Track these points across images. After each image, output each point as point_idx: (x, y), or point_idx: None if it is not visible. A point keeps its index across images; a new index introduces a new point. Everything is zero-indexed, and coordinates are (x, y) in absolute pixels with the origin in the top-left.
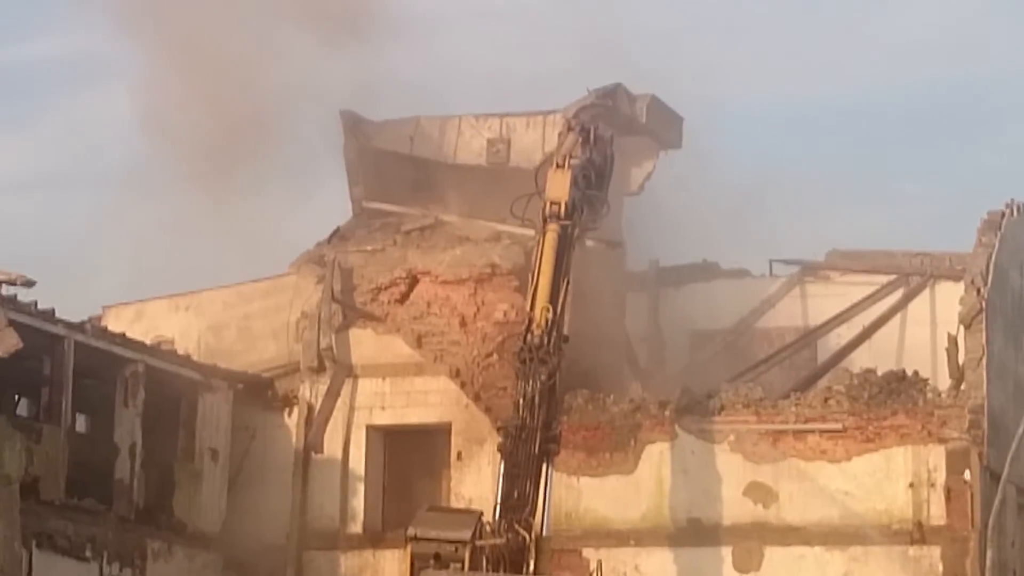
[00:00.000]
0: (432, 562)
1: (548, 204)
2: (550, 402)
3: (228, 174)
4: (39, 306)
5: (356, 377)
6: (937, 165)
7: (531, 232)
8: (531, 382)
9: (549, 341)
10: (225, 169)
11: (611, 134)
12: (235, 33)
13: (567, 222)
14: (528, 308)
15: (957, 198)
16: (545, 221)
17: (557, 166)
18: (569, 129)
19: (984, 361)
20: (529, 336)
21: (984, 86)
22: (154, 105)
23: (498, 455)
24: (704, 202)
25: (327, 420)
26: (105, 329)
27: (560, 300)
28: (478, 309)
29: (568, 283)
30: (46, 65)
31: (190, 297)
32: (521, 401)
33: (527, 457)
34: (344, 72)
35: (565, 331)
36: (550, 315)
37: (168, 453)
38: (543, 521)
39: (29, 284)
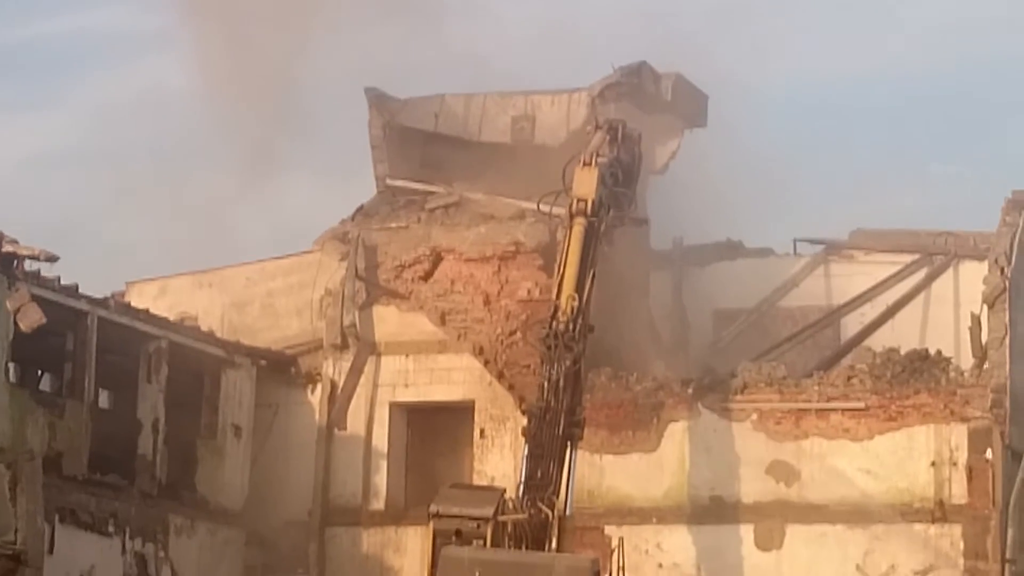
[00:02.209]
0: (454, 539)
1: (575, 201)
2: (575, 387)
3: (257, 150)
4: (62, 281)
5: (379, 354)
6: (965, 146)
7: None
8: (556, 367)
9: (574, 328)
10: (255, 146)
11: (639, 132)
12: (266, 16)
13: (594, 218)
14: (554, 296)
15: (983, 178)
16: (572, 216)
17: (584, 163)
18: (597, 128)
19: (1007, 340)
20: (554, 323)
21: (1014, 66)
22: (188, 79)
23: (521, 433)
24: (729, 181)
25: (350, 397)
26: (128, 305)
27: (586, 290)
28: (502, 287)
29: (594, 275)
30: (73, 40)
31: (213, 274)
32: (546, 384)
33: (551, 439)
34: (370, 49)
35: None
36: (576, 303)
37: (191, 429)
38: (567, 501)
39: (52, 259)
